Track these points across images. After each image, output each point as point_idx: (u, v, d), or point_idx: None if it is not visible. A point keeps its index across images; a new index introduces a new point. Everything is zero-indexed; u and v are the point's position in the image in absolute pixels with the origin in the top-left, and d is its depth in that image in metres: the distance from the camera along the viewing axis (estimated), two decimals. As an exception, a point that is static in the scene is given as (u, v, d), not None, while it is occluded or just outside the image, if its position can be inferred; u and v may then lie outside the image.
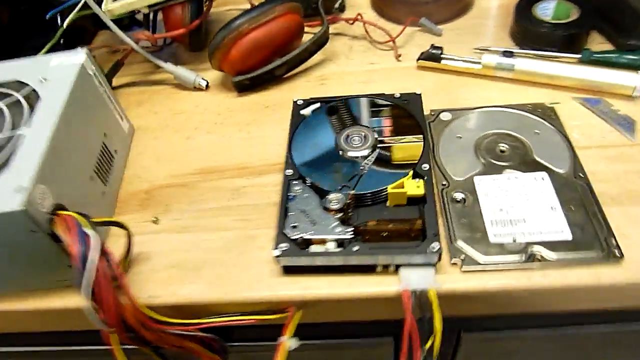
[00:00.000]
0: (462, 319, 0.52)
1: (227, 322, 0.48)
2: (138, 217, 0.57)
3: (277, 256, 0.47)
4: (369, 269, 0.48)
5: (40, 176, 0.45)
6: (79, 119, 0.53)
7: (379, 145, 0.56)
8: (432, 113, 0.61)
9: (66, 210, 0.47)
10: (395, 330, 0.55)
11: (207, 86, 0.70)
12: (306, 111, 0.60)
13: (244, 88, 0.68)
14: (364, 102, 0.61)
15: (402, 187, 0.51)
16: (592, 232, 0.48)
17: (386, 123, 0.58)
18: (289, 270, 0.49)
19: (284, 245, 0.48)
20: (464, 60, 0.66)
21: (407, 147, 0.55)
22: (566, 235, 0.48)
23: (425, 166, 0.52)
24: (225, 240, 0.53)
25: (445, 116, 0.60)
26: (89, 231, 0.45)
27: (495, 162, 0.55)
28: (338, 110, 0.60)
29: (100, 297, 0.43)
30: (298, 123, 0.59)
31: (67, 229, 0.45)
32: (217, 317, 0.49)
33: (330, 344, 0.59)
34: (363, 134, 0.57)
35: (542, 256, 0.47)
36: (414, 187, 0.51)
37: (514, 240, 0.48)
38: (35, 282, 0.51)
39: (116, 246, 0.51)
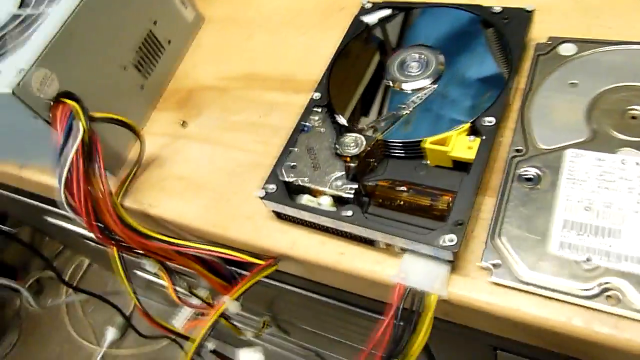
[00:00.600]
0: (495, 336, 0.38)
1: (203, 252, 0.43)
2: (170, 117, 0.53)
3: (261, 197, 0.39)
4: (370, 241, 0.37)
5: (45, 60, 0.42)
6: (112, 3, 0.48)
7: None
8: (549, 42, 0.41)
9: (74, 98, 0.44)
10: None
11: (288, -24, 0.59)
12: (370, 18, 0.46)
13: (326, -19, 0.56)
14: (447, 15, 0.44)
15: (446, 144, 0.36)
16: None
17: (476, 49, 0.42)
18: (280, 216, 0.41)
19: (271, 187, 0.39)
20: (632, -36, 0.42)
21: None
22: (682, 275, 0.29)
23: (490, 120, 0.36)
24: (238, 162, 0.46)
25: (566, 49, 0.41)
26: (80, 124, 0.42)
27: (614, 132, 0.35)
28: (406, 22, 0.45)
29: (72, 188, 0.41)
30: (355, 33, 0.46)
31: (60, 119, 0.43)
32: (197, 243, 0.44)
33: (330, 303, 0.50)
34: (425, 58, 0.41)
35: (623, 297, 0.30)
36: (463, 146, 0.36)
37: (588, 260, 0.31)
38: (38, 158, 0.51)
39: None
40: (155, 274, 0.59)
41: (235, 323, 0.58)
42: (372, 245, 0.37)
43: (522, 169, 0.36)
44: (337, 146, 0.39)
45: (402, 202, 0.36)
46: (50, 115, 0.43)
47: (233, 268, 0.51)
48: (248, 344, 0.65)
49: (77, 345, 1.68)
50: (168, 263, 0.50)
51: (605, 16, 0.42)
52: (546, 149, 0.36)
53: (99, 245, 0.78)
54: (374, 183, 0.37)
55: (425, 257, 0.34)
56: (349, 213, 0.35)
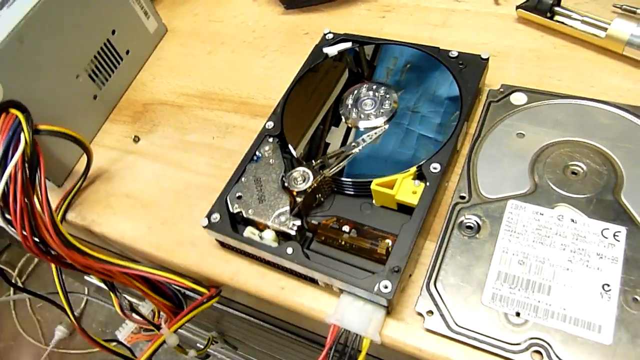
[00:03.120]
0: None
1: (144, 274, 0.42)
2: (123, 130, 0.51)
3: (204, 227, 0.38)
4: (310, 278, 0.37)
5: (-13, 66, 0.41)
6: (69, 9, 0.47)
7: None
8: (502, 90, 0.42)
9: (20, 108, 0.43)
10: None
11: (256, -6, 0.59)
12: (330, 50, 0.46)
13: (292, 3, 0.56)
14: (405, 53, 0.44)
15: (392, 187, 0.36)
16: (649, 349, 0.29)
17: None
18: (224, 245, 0.40)
19: (214, 216, 0.38)
20: (584, 21, 0.43)
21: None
22: (604, 337, 0.30)
23: (436, 167, 0.37)
24: (186, 184, 0.45)
25: (517, 98, 0.41)
26: (23, 136, 0.41)
27: (554, 186, 0.36)
28: (361, 56, 0.45)
29: (8, 202, 0.40)
30: (314, 63, 0.46)
31: (3, 129, 0.41)
32: (141, 265, 0.42)
33: (269, 329, 0.50)
34: (379, 96, 0.41)
35: (548, 353, 0.30)
36: (408, 191, 0.36)
37: (517, 314, 0.32)
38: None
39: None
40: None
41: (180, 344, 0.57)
42: (312, 281, 0.37)
43: (464, 217, 0.36)
44: (284, 180, 0.38)
45: (343, 242, 0.36)
46: (-3, 126, 0.41)
47: (177, 288, 0.51)
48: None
49: (25, 343, 1.63)
50: (110, 281, 0.49)
51: (556, 69, 0.43)
52: (489, 198, 0.37)
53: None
54: (317, 221, 0.37)
55: (362, 299, 0.34)
56: (290, 250, 0.35)
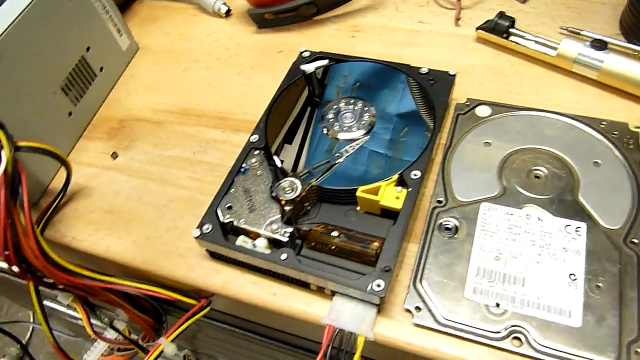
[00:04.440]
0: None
1: (132, 289, 0.42)
2: (100, 147, 0.51)
3: (196, 237, 0.39)
4: (302, 283, 0.38)
5: (-34, 82, 0.40)
6: (46, 26, 0.47)
7: (375, 131, 0.43)
8: (467, 103, 0.46)
9: (-1, 125, 0.42)
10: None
11: (227, 13, 0.60)
12: (307, 67, 0.48)
13: (264, 23, 0.58)
14: (379, 70, 0.48)
15: (376, 194, 0.39)
16: (613, 330, 0.33)
17: (404, 104, 0.45)
18: (214, 255, 0.41)
19: (207, 227, 0.39)
20: (536, 41, 0.49)
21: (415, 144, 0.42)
22: (574, 321, 0.34)
23: (416, 174, 0.40)
24: (170, 198, 0.46)
25: (482, 111, 0.46)
26: (4, 154, 0.40)
27: (520, 189, 0.40)
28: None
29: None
30: (293, 80, 0.48)
31: (-19, 146, 0.41)
32: (126, 280, 0.42)
33: (259, 340, 0.51)
34: (359, 110, 0.44)
35: (526, 339, 0.34)
36: (391, 196, 0.39)
37: (497, 305, 0.35)
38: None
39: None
40: (67, 306, 0.57)
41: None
42: (304, 286, 0.39)
43: (442, 219, 0.39)
44: (273, 190, 0.40)
45: (334, 247, 0.38)
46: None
47: (158, 304, 0.51)
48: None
49: (-37, 379, 1.52)
50: (90, 299, 0.49)
51: (514, 84, 0.48)
52: (463, 202, 0.40)
53: None
54: (308, 228, 0.39)
55: (354, 299, 0.36)
56: (284, 256, 0.37)
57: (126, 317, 0.56)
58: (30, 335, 1.55)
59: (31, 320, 1.57)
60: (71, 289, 0.44)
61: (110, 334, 0.60)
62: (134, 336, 0.59)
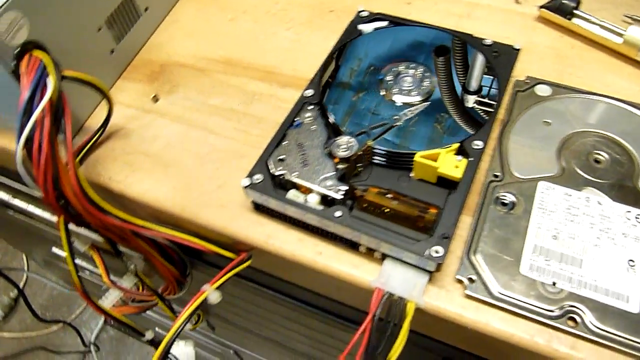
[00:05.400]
0: (451, 347, 0.40)
1: (169, 237, 0.41)
2: (140, 89, 0.50)
3: (245, 187, 0.38)
4: (352, 243, 0.37)
5: (17, 1, 0.38)
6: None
7: (433, 98, 0.42)
8: (527, 81, 0.45)
9: (44, 50, 0.40)
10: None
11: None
12: (366, 27, 0.47)
13: (317, -19, 0.56)
14: (442, 38, 0.46)
15: (435, 160, 0.38)
16: (672, 318, 0.32)
17: (459, 73, 0.44)
18: (259, 208, 0.40)
19: (257, 177, 0.38)
20: (602, 26, 0.47)
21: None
22: (632, 306, 0.33)
23: (478, 144, 0.38)
24: (212, 147, 0.45)
25: (542, 90, 0.44)
26: (51, 80, 0.38)
27: (580, 171, 0.39)
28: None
29: (34, 153, 0.37)
30: (349, 38, 0.46)
31: (29, 70, 0.39)
32: (162, 226, 0.41)
33: (299, 306, 0.50)
34: (419, 75, 0.43)
35: (582, 320, 0.33)
36: (450, 165, 0.38)
37: (554, 284, 0.34)
38: (3, 115, 0.46)
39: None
40: (82, 253, 0.55)
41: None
42: (352, 247, 0.38)
43: (499, 194, 0.38)
44: (328, 146, 0.39)
45: (387, 210, 0.37)
46: (15, 65, 0.39)
47: (186, 256, 0.49)
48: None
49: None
50: (119, 244, 0.47)
51: (576, 67, 0.46)
52: (521, 178, 0.39)
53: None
54: (364, 187, 0.37)
55: (406, 265, 0.35)
56: (339, 214, 0.36)
57: (141, 267, 0.54)
58: (24, 284, 1.54)
59: (25, 268, 1.56)
60: (103, 231, 0.43)
61: (126, 284, 0.59)
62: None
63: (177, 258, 0.49)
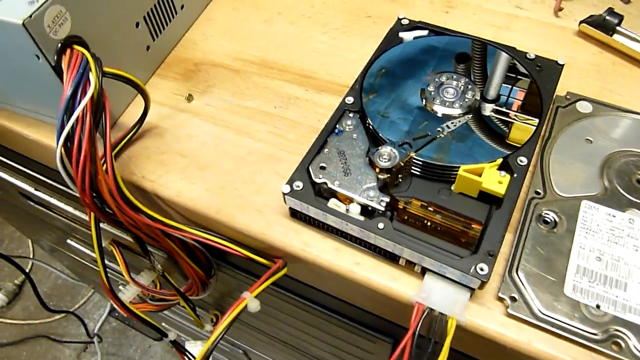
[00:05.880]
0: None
1: (202, 239, 0.40)
2: (174, 87, 0.49)
3: (285, 193, 0.37)
4: (391, 256, 0.37)
5: (63, -4, 0.38)
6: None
7: (477, 109, 0.41)
8: (568, 97, 0.44)
9: (85, 46, 0.40)
10: (398, 333, 0.45)
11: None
12: (407, 35, 0.46)
13: (353, -15, 0.55)
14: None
15: (479, 175, 0.37)
16: None
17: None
18: (296, 215, 0.39)
19: (298, 184, 0.37)
20: (646, 44, 0.47)
21: (521, 129, 0.40)
22: (678, 333, 0.33)
23: (522, 160, 0.38)
24: (247, 150, 0.44)
25: (583, 106, 0.44)
26: (92, 77, 0.38)
27: (623, 192, 0.39)
28: (444, 49, 0.46)
29: (73, 151, 0.37)
30: (390, 46, 0.46)
31: (71, 66, 0.38)
32: (196, 229, 0.41)
33: (326, 315, 0.50)
34: (462, 87, 0.42)
35: (627, 345, 0.32)
36: (494, 180, 0.37)
37: (597, 307, 0.34)
38: (40, 109, 0.46)
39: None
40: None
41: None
42: (390, 259, 0.37)
43: (542, 211, 0.38)
44: (370, 155, 0.38)
45: (429, 223, 0.36)
46: (57, 59, 0.38)
47: (213, 259, 0.49)
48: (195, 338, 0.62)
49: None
50: (148, 242, 0.47)
51: (616, 85, 0.46)
52: (563, 196, 0.39)
53: None
54: (406, 199, 0.37)
55: (447, 281, 0.35)
56: (381, 225, 0.35)
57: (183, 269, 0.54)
58: (30, 271, 1.53)
59: (31, 256, 1.56)
60: (135, 230, 0.42)
61: (143, 281, 0.59)
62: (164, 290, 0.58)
63: (203, 259, 0.49)
